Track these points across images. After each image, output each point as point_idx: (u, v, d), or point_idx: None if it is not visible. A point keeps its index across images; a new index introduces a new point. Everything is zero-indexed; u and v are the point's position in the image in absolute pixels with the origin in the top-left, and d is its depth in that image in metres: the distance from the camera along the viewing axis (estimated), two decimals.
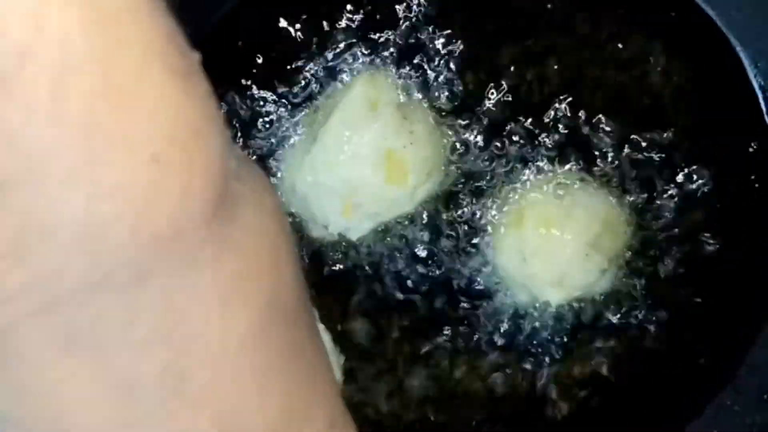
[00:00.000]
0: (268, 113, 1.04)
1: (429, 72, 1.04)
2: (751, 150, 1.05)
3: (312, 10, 1.05)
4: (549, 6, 1.05)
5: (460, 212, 1.04)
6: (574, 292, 1.02)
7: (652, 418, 1.07)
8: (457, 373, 1.05)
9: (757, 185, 1.06)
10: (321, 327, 0.95)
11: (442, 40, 1.04)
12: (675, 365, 1.07)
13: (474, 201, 1.04)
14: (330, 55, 1.04)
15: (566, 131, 1.03)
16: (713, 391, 1.06)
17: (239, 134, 1.04)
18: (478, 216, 1.04)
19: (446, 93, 1.03)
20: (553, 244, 1.00)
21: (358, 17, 1.04)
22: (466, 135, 1.03)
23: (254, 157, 1.04)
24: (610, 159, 1.03)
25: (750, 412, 1.03)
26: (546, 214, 1.01)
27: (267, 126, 1.05)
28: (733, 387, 1.06)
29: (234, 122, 1.04)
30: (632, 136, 1.04)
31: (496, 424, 1.07)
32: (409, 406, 1.06)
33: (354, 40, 1.04)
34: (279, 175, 1.04)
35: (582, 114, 1.04)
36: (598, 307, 1.05)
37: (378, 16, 1.04)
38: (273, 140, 1.04)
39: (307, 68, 1.04)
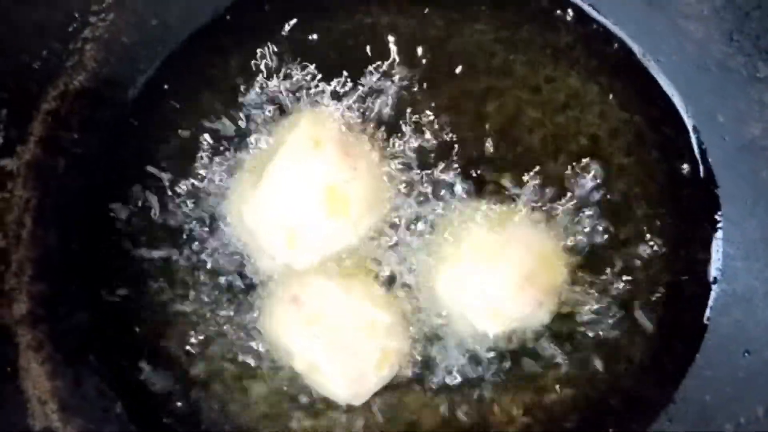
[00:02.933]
0: (218, 148, 1.08)
1: (371, 110, 1.07)
2: (684, 189, 1.09)
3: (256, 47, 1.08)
4: (488, 49, 1.08)
5: (399, 244, 1.07)
6: (511, 324, 1.05)
7: None
8: (404, 401, 1.09)
9: (692, 223, 1.10)
10: None
11: (385, 79, 1.07)
12: (612, 395, 1.10)
13: (415, 233, 1.07)
14: (279, 92, 1.07)
15: (505, 168, 1.07)
16: (648, 419, 1.10)
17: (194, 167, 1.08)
18: (419, 247, 1.07)
19: (389, 130, 1.07)
20: (488, 276, 1.03)
21: (308, 54, 1.08)
22: (409, 170, 1.07)
23: (203, 189, 1.07)
24: (548, 196, 1.07)
25: None
26: (482, 246, 1.04)
27: (218, 161, 1.08)
28: (667, 416, 1.10)
29: (185, 156, 1.08)
30: (569, 174, 1.07)
31: None
32: None
33: (300, 77, 1.07)
34: (228, 207, 1.08)
35: (521, 152, 1.07)
36: (537, 339, 1.08)
37: (323, 54, 1.08)
38: (223, 174, 1.07)
39: (254, 104, 1.07)
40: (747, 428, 1.02)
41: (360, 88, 1.07)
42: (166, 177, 1.08)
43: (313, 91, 1.07)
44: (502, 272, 1.03)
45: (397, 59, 1.07)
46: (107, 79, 1.03)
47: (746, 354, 1.05)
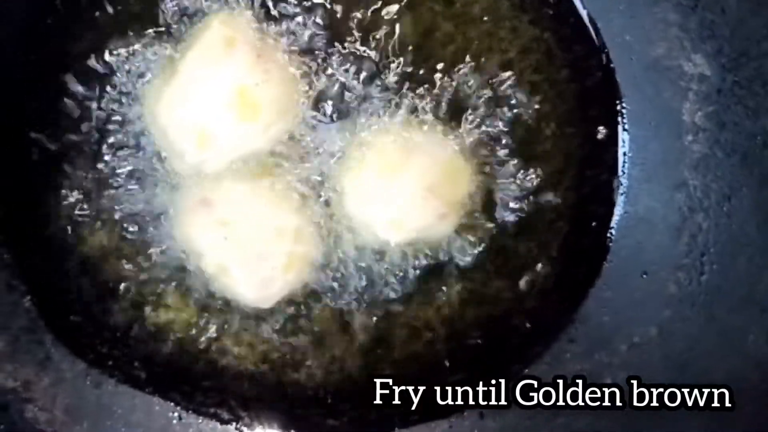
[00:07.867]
0: (134, 46, 1.07)
1: (286, 15, 1.07)
2: (592, 110, 1.10)
3: None
4: None
5: (308, 151, 1.08)
6: (412, 234, 1.06)
7: (493, 363, 1.11)
8: (309, 309, 1.10)
9: (599, 138, 1.11)
10: None
11: None
12: (515, 314, 1.11)
13: (325, 141, 1.07)
14: None
15: (415, 79, 1.07)
16: (550, 339, 1.11)
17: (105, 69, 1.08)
18: (325, 156, 1.08)
19: (303, 37, 1.07)
20: (392, 185, 1.04)
21: None
22: (320, 78, 1.07)
23: (117, 90, 1.07)
24: (457, 108, 1.08)
25: (581, 360, 1.08)
26: (387, 157, 1.05)
27: (134, 58, 1.08)
28: (567, 336, 1.11)
29: (99, 56, 1.07)
30: (479, 89, 1.08)
31: (334, 363, 1.11)
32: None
33: None
34: (141, 107, 1.08)
35: (432, 64, 1.08)
36: (440, 251, 1.09)
37: None
38: (136, 73, 1.07)
39: (167, 3, 1.07)
40: (640, 348, 1.05)
41: None
42: (81, 73, 1.07)
43: None
44: (405, 182, 1.04)
45: None
46: None
47: (644, 275, 1.07)
